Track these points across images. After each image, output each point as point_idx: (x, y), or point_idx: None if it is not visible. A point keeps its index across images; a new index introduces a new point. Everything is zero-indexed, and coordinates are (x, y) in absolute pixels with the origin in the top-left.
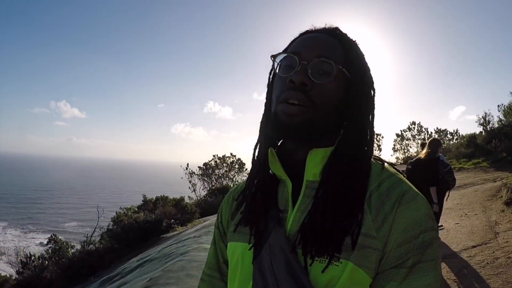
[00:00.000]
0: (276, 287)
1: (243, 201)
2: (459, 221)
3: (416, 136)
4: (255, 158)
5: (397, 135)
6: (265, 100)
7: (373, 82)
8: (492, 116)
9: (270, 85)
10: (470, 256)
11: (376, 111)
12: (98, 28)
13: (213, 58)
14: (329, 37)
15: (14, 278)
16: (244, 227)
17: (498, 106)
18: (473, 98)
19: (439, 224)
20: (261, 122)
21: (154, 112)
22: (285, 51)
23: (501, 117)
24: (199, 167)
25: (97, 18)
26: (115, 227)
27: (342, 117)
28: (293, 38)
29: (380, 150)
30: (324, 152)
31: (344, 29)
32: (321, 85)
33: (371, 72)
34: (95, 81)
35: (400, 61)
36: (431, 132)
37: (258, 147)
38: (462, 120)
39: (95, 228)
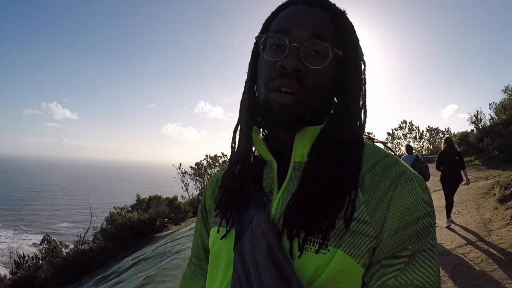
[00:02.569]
0: (257, 274)
1: (226, 184)
2: (453, 218)
3: (407, 134)
4: (238, 139)
5: (388, 134)
6: (246, 80)
7: (363, 56)
8: (484, 114)
9: (252, 65)
10: (465, 253)
11: (367, 85)
12: (88, 28)
13: (204, 58)
14: (318, 11)
15: (8, 278)
16: (231, 211)
17: (490, 104)
18: (466, 96)
19: None
20: (242, 102)
21: (145, 113)
22: (266, 27)
23: (492, 115)
24: (191, 167)
25: (87, 18)
26: (109, 226)
27: (333, 95)
28: (276, 9)
29: None
30: (313, 131)
31: None
32: (315, 71)
33: (360, 44)
34: (86, 82)
35: (392, 59)
36: (423, 131)
37: (239, 128)
38: (455, 118)
39: (88, 228)
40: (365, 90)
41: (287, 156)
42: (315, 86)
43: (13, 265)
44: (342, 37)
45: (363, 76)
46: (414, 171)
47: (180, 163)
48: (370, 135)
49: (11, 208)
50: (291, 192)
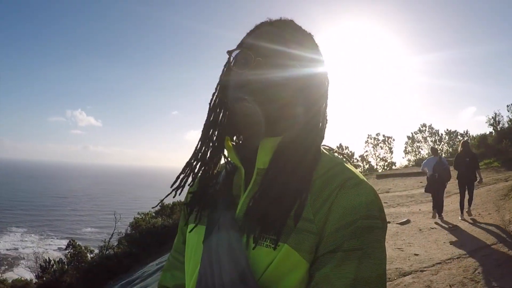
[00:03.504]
0: (218, 266)
1: (200, 185)
2: (473, 221)
3: (428, 138)
4: (209, 145)
5: (408, 137)
6: (215, 91)
7: (326, 74)
8: (502, 116)
9: (223, 77)
10: (486, 255)
11: (328, 101)
12: (111, 37)
13: (225, 62)
14: (284, 31)
15: (34, 282)
16: (202, 210)
17: (508, 106)
18: (484, 99)
19: (453, 223)
20: (212, 112)
21: (168, 120)
22: (240, 45)
23: (510, 117)
24: None
25: (109, 26)
26: (133, 232)
27: (295, 107)
28: (251, 30)
29: (391, 152)
30: (274, 141)
31: (299, 22)
32: (277, 83)
33: (326, 64)
34: (110, 90)
35: (410, 61)
36: (442, 134)
37: (209, 135)
38: (474, 121)
39: (113, 233)
40: (325, 105)
41: (252, 163)
42: (276, 96)
43: (39, 270)
44: (303, 55)
45: (324, 92)
46: (363, 178)
47: None
48: (329, 146)
49: (37, 214)
50: (253, 195)
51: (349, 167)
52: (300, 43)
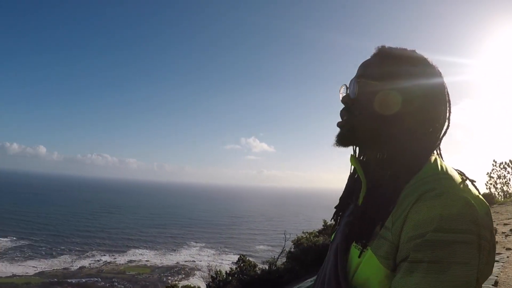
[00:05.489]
0: (326, 267)
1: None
2: None
3: None
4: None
5: None
6: None
7: (432, 88)
8: None
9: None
10: None
11: (446, 113)
12: (274, 64)
13: None
14: (372, 58)
15: None
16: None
17: None
18: None
19: None
20: None
21: None
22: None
23: None
24: None
25: (271, 57)
26: (295, 249)
27: (399, 123)
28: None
29: None
30: (378, 154)
31: (395, 44)
32: (357, 100)
33: (434, 79)
34: (279, 116)
35: None
36: None
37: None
38: None
39: (282, 251)
40: (425, 119)
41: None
42: (359, 111)
43: (210, 280)
44: (387, 74)
45: (424, 106)
46: (453, 190)
47: None
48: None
49: (214, 231)
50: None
51: (441, 178)
52: (383, 64)
